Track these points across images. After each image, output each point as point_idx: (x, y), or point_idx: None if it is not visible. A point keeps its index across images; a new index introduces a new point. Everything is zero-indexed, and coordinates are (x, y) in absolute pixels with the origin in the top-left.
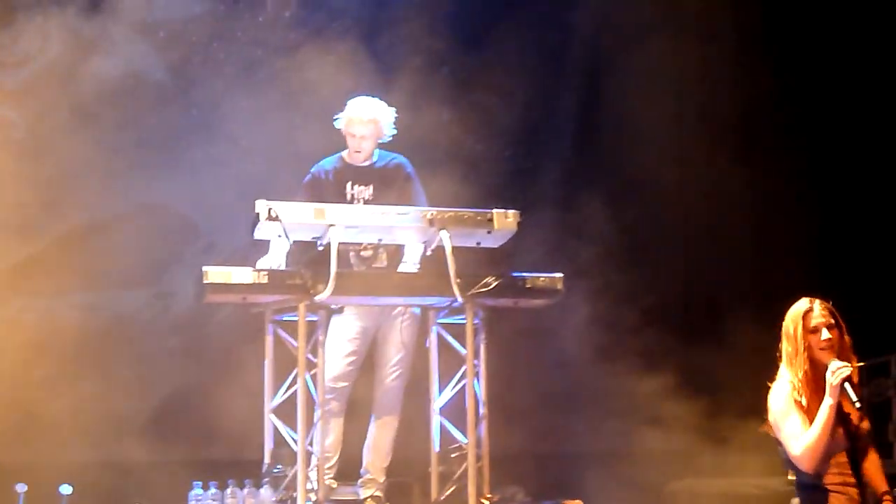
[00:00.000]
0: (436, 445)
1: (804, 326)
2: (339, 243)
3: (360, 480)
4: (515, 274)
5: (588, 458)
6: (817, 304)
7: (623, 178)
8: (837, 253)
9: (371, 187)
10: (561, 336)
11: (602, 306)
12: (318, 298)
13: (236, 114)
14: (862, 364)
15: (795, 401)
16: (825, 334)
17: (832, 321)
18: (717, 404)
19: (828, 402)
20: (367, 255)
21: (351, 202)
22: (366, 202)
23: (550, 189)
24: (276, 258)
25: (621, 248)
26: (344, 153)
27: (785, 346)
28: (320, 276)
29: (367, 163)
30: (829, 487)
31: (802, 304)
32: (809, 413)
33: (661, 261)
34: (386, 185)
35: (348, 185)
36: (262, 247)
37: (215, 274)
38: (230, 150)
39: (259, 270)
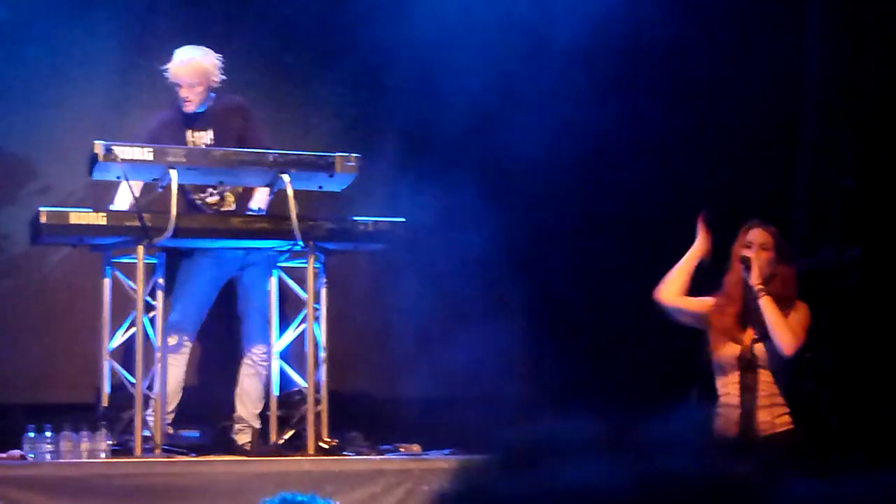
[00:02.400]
0: (275, 389)
1: (740, 240)
2: (184, 188)
3: (234, 427)
4: (356, 218)
5: (429, 402)
6: (761, 224)
7: (468, 124)
8: None
9: (210, 131)
10: (404, 280)
11: (447, 250)
12: (157, 241)
13: (74, 54)
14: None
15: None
16: (751, 251)
17: (768, 243)
18: (561, 352)
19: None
20: (212, 200)
21: None
22: (206, 147)
23: (394, 135)
24: (121, 203)
25: (467, 192)
26: (180, 103)
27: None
28: (159, 217)
29: (202, 108)
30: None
31: (750, 221)
32: (720, 318)
33: (509, 203)
34: (225, 127)
35: (187, 132)
36: (101, 189)
37: (51, 215)
38: (68, 90)
39: (97, 212)
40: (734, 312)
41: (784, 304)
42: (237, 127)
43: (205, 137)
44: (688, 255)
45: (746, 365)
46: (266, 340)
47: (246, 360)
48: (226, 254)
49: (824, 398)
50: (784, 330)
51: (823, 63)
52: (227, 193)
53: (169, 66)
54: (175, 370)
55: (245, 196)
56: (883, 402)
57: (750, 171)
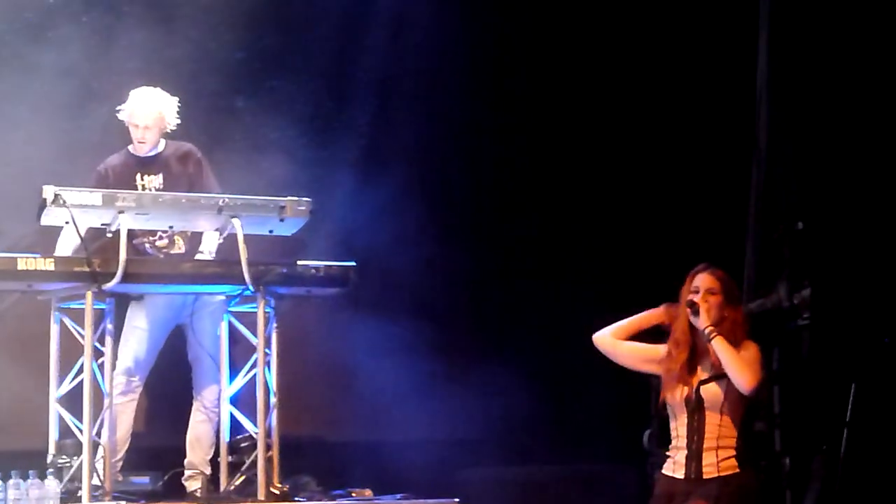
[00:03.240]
0: (226, 435)
1: (687, 285)
2: (133, 232)
3: (185, 475)
4: (307, 263)
5: (380, 447)
6: (708, 269)
7: (419, 167)
8: None
9: (161, 176)
10: (354, 325)
11: (396, 294)
12: (106, 286)
13: (22, 97)
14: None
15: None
16: (698, 296)
17: (715, 287)
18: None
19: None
20: (161, 244)
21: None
22: (156, 191)
23: (344, 178)
24: (65, 248)
25: (413, 238)
26: (130, 147)
27: None
28: (108, 263)
29: (153, 152)
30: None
31: (698, 266)
32: (669, 364)
33: (459, 246)
34: (175, 172)
35: (137, 176)
36: (50, 235)
37: (0, 261)
38: (16, 134)
39: (45, 257)
40: (683, 358)
41: (734, 346)
42: (188, 172)
43: (155, 181)
44: (644, 314)
45: (694, 407)
46: (218, 385)
47: (198, 407)
48: (175, 298)
49: (776, 439)
50: (741, 367)
51: (773, 106)
52: (177, 237)
53: (124, 106)
54: (124, 416)
55: (195, 238)
56: (835, 442)
57: (702, 213)
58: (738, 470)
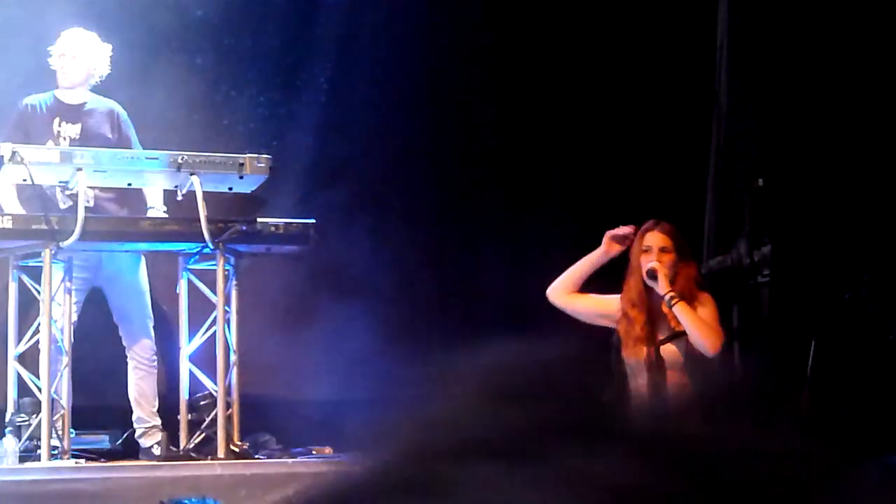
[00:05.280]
0: (185, 393)
1: (637, 242)
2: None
3: (137, 431)
4: (266, 220)
5: (341, 405)
6: (658, 226)
7: (376, 127)
8: None
9: (79, 126)
10: (315, 282)
11: (356, 253)
12: (64, 244)
13: None
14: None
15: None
16: (653, 256)
17: (668, 245)
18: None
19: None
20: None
21: (56, 139)
22: (72, 140)
23: (305, 136)
24: (9, 204)
25: (377, 193)
26: (56, 91)
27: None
28: (66, 221)
29: (77, 102)
30: None
31: (646, 224)
32: (627, 326)
33: (415, 208)
34: (95, 125)
35: (56, 120)
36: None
37: None
38: None
39: (2, 215)
40: (642, 319)
41: (689, 301)
42: (108, 126)
43: (72, 130)
44: (588, 257)
45: (655, 367)
46: (150, 339)
47: (135, 365)
48: (90, 259)
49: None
50: (705, 330)
51: (733, 64)
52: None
53: (53, 48)
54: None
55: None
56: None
57: (661, 170)
58: None
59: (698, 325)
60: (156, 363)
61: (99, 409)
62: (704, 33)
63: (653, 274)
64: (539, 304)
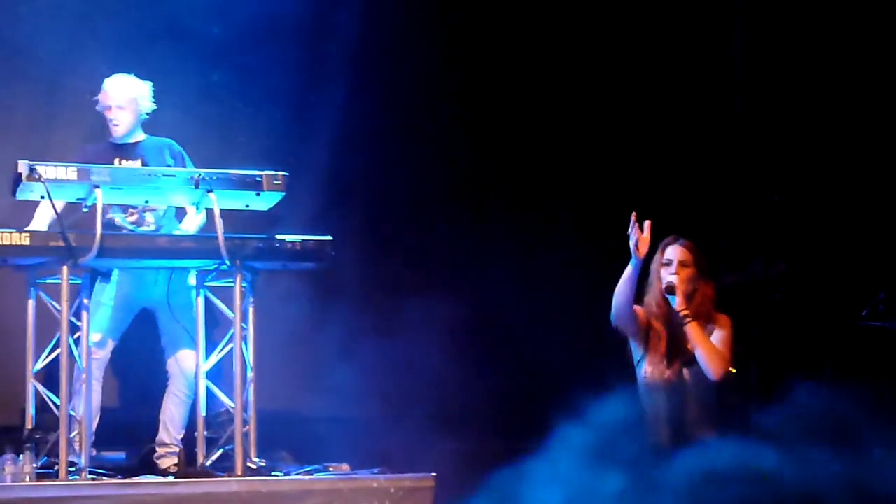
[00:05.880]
0: (203, 410)
1: (658, 257)
2: (106, 206)
3: (156, 452)
4: (284, 237)
5: (357, 423)
6: (678, 241)
7: (391, 143)
8: None
9: (139, 161)
10: (333, 299)
11: (373, 269)
12: (81, 261)
13: None
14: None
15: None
16: (673, 269)
17: (687, 259)
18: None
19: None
20: (132, 219)
21: None
22: None
23: (320, 152)
24: (40, 223)
25: (391, 209)
26: (109, 137)
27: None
28: (84, 237)
29: (131, 139)
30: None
31: (667, 238)
32: (654, 341)
33: (437, 220)
34: (153, 159)
35: (115, 161)
36: (26, 209)
37: None
38: None
39: (21, 232)
40: (664, 336)
41: (705, 320)
42: (166, 160)
43: (133, 166)
44: (625, 272)
45: (676, 387)
46: (193, 370)
47: (174, 389)
48: (145, 278)
49: (749, 412)
50: (712, 355)
51: (749, 83)
52: (147, 213)
53: (99, 96)
54: (93, 392)
55: (166, 214)
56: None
57: (679, 187)
58: None
59: (706, 348)
60: (194, 394)
61: (126, 425)
62: (721, 52)
63: (671, 289)
64: (553, 326)
